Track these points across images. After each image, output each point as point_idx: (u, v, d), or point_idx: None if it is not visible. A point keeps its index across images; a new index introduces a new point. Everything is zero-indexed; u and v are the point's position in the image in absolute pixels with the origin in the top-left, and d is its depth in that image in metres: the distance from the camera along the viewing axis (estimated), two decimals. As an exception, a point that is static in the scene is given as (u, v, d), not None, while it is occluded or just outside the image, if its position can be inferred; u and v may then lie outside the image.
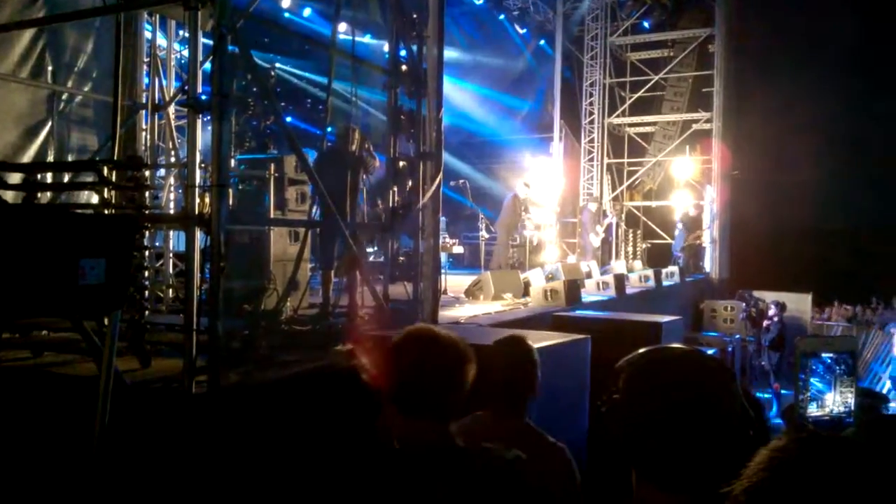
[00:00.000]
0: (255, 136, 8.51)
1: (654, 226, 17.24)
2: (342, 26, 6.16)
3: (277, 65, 13.34)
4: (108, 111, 5.56)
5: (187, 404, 3.30)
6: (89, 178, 4.61)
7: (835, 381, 1.75)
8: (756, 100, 16.71)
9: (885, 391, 10.33)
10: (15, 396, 3.59)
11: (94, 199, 4.28)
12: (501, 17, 16.28)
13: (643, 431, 1.24)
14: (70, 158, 6.74)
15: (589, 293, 8.78)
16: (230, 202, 4.62)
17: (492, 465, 1.79)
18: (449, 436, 1.83)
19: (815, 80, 16.25)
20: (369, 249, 7.26)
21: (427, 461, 1.76)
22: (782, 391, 11.52)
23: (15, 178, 4.41)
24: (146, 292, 4.79)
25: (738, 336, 12.08)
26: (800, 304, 14.10)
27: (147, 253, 4.84)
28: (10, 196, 4.28)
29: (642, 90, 17.12)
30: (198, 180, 3.57)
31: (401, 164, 5.60)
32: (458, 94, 15.28)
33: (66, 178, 5.49)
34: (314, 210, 6.15)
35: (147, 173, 4.29)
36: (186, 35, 5.56)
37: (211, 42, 3.83)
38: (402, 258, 5.73)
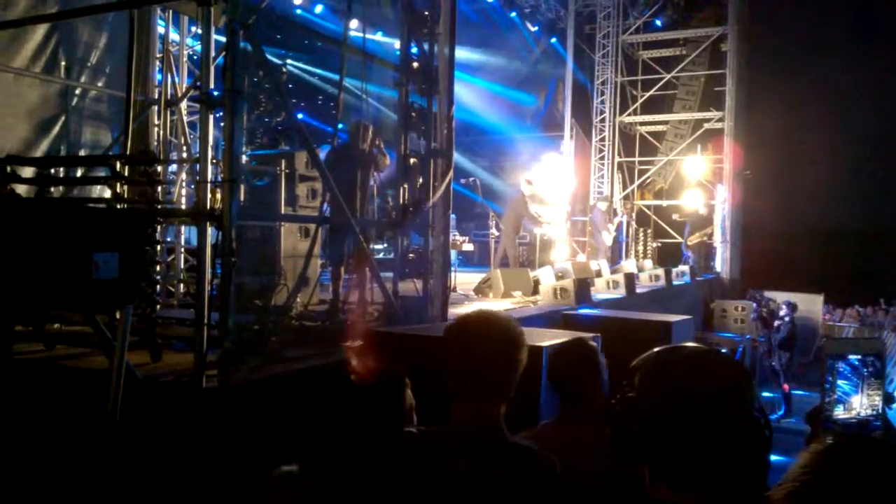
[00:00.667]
0: (267, 132, 8.53)
1: (665, 225, 17.16)
2: (353, 23, 6.16)
3: (289, 61, 13.40)
4: (121, 106, 5.59)
5: (198, 398, 3.32)
6: (102, 173, 4.63)
7: (862, 383, 1.73)
8: (769, 99, 16.60)
9: (897, 393, 10.24)
10: (28, 389, 3.61)
11: (107, 193, 4.30)
12: (513, 14, 16.24)
13: (657, 430, 1.24)
14: (83, 153, 6.77)
15: (599, 292, 8.74)
16: (241, 198, 4.64)
17: (545, 463, 1.79)
18: (500, 421, 1.83)
19: (829, 79, 16.12)
20: (378, 246, 7.25)
21: (478, 446, 1.76)
22: (792, 392, 11.47)
23: (28, 172, 4.44)
24: (158, 287, 4.82)
25: (748, 336, 12.01)
26: (811, 304, 14.04)
27: (159, 248, 4.86)
28: (23, 190, 4.33)
29: (654, 89, 17.04)
30: (209, 176, 3.58)
31: (411, 161, 5.59)
32: (468, 91, 15.25)
33: (79, 173, 5.52)
34: (324, 206, 6.16)
35: (159, 168, 4.30)
36: (199, 31, 5.60)
37: (223, 38, 3.84)
38: (411, 255, 5.72)
